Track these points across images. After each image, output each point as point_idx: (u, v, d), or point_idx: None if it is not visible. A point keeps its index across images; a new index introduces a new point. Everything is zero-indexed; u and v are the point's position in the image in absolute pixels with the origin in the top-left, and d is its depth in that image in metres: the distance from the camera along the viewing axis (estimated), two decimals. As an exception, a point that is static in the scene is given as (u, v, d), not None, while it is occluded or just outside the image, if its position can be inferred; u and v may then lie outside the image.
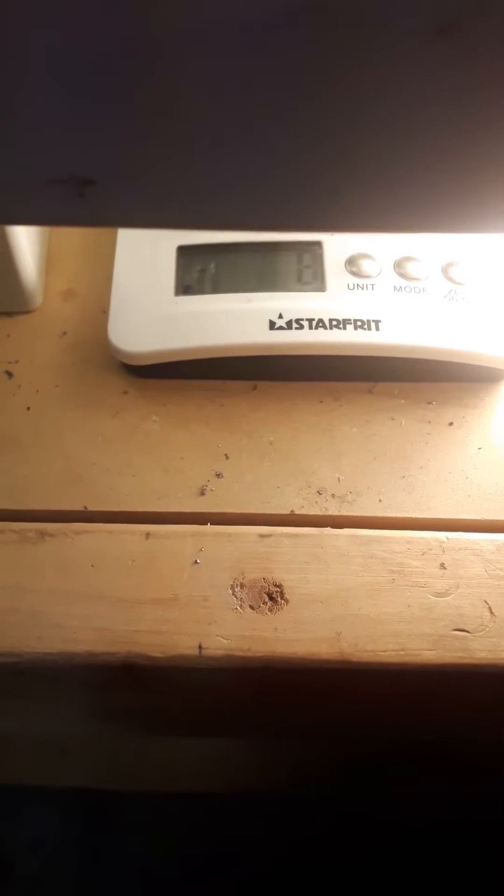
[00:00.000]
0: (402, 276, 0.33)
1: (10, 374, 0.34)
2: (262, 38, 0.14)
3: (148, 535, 0.29)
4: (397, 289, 0.33)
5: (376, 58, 0.15)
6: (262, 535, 0.29)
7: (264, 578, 0.28)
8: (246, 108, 0.15)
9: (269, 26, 0.14)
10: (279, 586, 0.28)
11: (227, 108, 0.15)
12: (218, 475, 0.31)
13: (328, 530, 0.30)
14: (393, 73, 0.14)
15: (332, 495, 0.31)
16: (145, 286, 0.33)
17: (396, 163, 0.16)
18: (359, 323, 0.32)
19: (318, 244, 0.34)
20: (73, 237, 0.37)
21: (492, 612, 0.28)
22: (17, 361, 0.34)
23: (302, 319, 0.32)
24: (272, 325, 0.32)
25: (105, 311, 0.33)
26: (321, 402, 0.33)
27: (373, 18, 0.14)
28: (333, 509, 0.31)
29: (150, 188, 0.16)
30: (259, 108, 0.15)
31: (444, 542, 0.29)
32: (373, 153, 0.16)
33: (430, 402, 0.33)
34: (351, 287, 0.33)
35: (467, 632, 0.27)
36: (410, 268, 0.33)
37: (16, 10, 0.13)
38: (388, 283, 0.33)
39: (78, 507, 0.30)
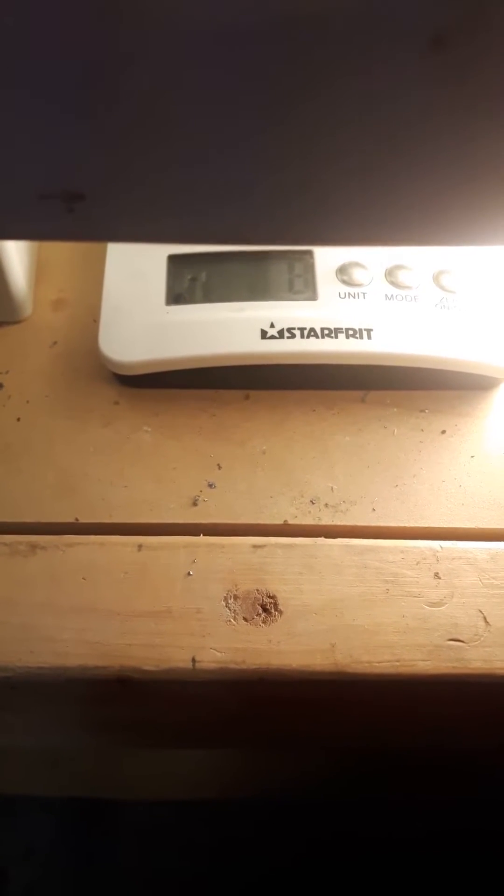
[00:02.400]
0: (394, 284, 0.33)
1: (0, 385, 0.33)
2: (249, 49, 0.14)
3: (140, 546, 0.29)
4: (389, 297, 0.33)
5: (370, 70, 0.15)
6: (255, 546, 0.29)
7: (258, 590, 0.28)
8: (232, 124, 0.15)
9: (258, 37, 0.14)
10: (273, 597, 0.28)
11: (212, 123, 0.15)
12: (210, 485, 0.31)
13: (322, 540, 0.29)
14: (387, 84, 0.14)
15: (326, 505, 0.31)
16: (136, 295, 0.33)
17: (389, 176, 0.16)
18: (350, 331, 0.32)
19: (310, 253, 0.34)
20: (62, 247, 0.37)
21: (487, 622, 0.28)
22: (7, 372, 0.34)
23: (294, 328, 0.32)
24: (264, 335, 0.32)
25: (95, 321, 0.33)
26: (314, 410, 0.33)
27: (367, 29, 0.14)
28: (327, 519, 0.30)
29: (139, 203, 0.16)
30: (247, 123, 0.15)
31: (438, 551, 0.29)
32: (365, 167, 0.15)
33: (422, 411, 0.33)
34: (342, 296, 0.33)
35: (462, 642, 0.27)
36: (402, 276, 0.33)
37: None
38: (380, 291, 0.33)
39: (69, 518, 0.30)
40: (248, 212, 0.16)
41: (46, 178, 0.15)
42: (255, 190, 0.15)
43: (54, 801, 0.70)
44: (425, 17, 0.13)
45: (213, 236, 0.17)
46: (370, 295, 0.33)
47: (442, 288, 0.33)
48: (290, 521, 0.30)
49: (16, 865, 0.69)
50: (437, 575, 0.29)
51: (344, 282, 0.33)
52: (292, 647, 0.27)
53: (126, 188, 0.16)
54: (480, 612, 0.28)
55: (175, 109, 0.15)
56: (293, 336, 0.32)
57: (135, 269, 0.34)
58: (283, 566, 0.29)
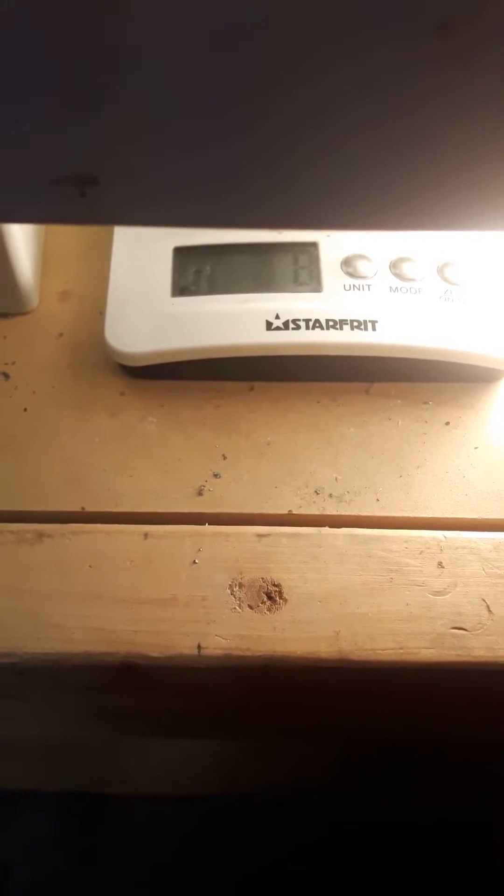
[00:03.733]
0: (398, 276, 0.33)
1: (6, 376, 0.34)
2: (254, 35, 0.14)
3: (146, 535, 0.29)
4: (393, 289, 0.33)
5: (375, 55, 0.15)
6: (260, 535, 0.29)
7: (263, 578, 0.28)
8: (241, 106, 0.15)
9: (261, 24, 0.14)
10: (277, 586, 0.28)
11: (219, 106, 0.15)
12: (216, 475, 0.31)
13: (326, 530, 0.30)
14: (391, 70, 0.14)
15: (330, 495, 0.31)
16: (142, 287, 0.33)
17: (393, 159, 0.16)
18: (355, 323, 0.32)
19: (314, 245, 0.34)
20: (69, 238, 0.37)
21: (490, 611, 0.28)
22: (13, 363, 0.34)
23: (298, 320, 0.32)
24: (269, 326, 0.32)
25: (102, 313, 0.33)
26: (318, 402, 0.33)
27: (372, 16, 0.14)
28: (331, 509, 0.31)
29: (150, 186, 0.16)
30: (254, 106, 0.15)
31: (441, 541, 0.29)
32: (369, 150, 0.16)
33: (426, 402, 0.33)
34: (347, 288, 0.33)
35: (466, 630, 0.28)
36: (406, 268, 0.33)
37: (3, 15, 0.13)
38: (384, 283, 0.33)
39: (76, 507, 0.30)
40: (254, 195, 0.16)
41: (60, 162, 0.15)
42: (262, 174, 0.16)
43: (55, 797, 0.70)
44: (430, 3, 0.14)
45: (221, 220, 0.17)
46: (375, 287, 0.33)
47: (446, 280, 0.33)
48: (295, 511, 0.31)
49: (17, 862, 0.70)
50: (440, 564, 0.29)
51: (349, 274, 0.33)
52: (297, 634, 0.27)
53: (135, 173, 0.16)
54: (484, 600, 0.28)
55: (175, 97, 0.15)
56: (298, 328, 0.32)
57: (141, 261, 0.34)
58: (288, 555, 0.29)
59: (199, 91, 0.15)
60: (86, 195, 0.16)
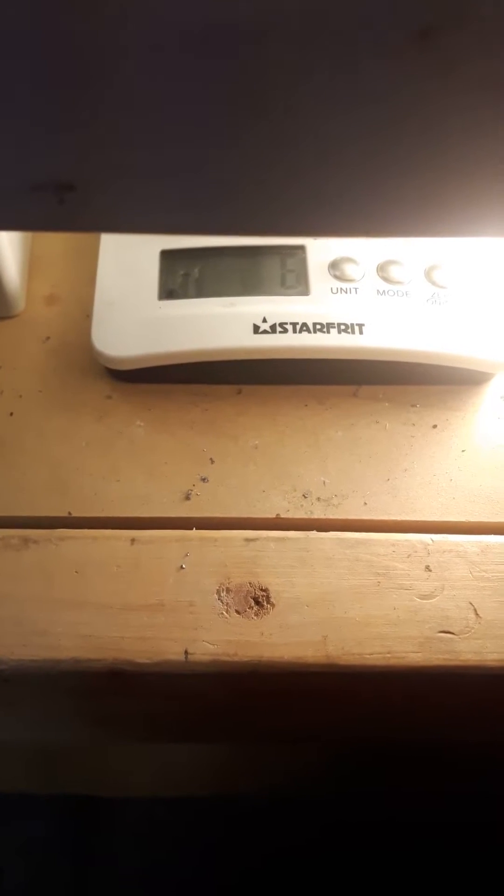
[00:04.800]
0: (386, 279, 0.33)
1: (-7, 380, 0.33)
2: (237, 45, 0.14)
3: (133, 540, 0.29)
4: (381, 292, 0.33)
5: (360, 64, 0.15)
6: (247, 540, 0.29)
7: (250, 583, 0.28)
8: (222, 116, 0.15)
9: (245, 34, 0.14)
10: (265, 590, 0.28)
11: (200, 116, 0.15)
12: (203, 479, 0.31)
13: (314, 534, 0.30)
14: (376, 78, 0.14)
15: (318, 499, 0.31)
16: (129, 290, 0.33)
17: (381, 168, 0.16)
18: (342, 326, 0.32)
19: (302, 248, 0.34)
20: (55, 242, 0.37)
21: (477, 614, 0.28)
22: (0, 367, 0.34)
23: (286, 323, 0.32)
24: (256, 329, 0.32)
25: (88, 316, 0.33)
26: (306, 405, 0.33)
27: (357, 24, 0.14)
28: (319, 513, 0.31)
29: (128, 195, 0.16)
30: (237, 116, 0.15)
31: (429, 544, 0.29)
32: (356, 157, 0.16)
33: (413, 405, 0.33)
34: (334, 291, 0.33)
35: (453, 634, 0.28)
36: (393, 271, 0.33)
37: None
38: (372, 286, 0.33)
39: (62, 513, 0.30)
40: (239, 205, 0.16)
41: (37, 168, 0.15)
42: (246, 184, 0.16)
43: (50, 798, 0.70)
44: (412, 11, 0.13)
45: (205, 228, 0.17)
46: (362, 290, 0.33)
47: (433, 283, 0.33)
48: (283, 515, 0.30)
49: (12, 863, 0.69)
50: (427, 568, 0.29)
51: (336, 277, 0.33)
52: (284, 639, 0.27)
53: (114, 181, 0.16)
54: (471, 604, 0.28)
55: (157, 104, 0.15)
56: (285, 331, 0.32)
57: (128, 265, 0.34)
58: (276, 559, 0.29)
59: (177, 100, 0.15)
60: (64, 202, 0.15)
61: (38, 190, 0.15)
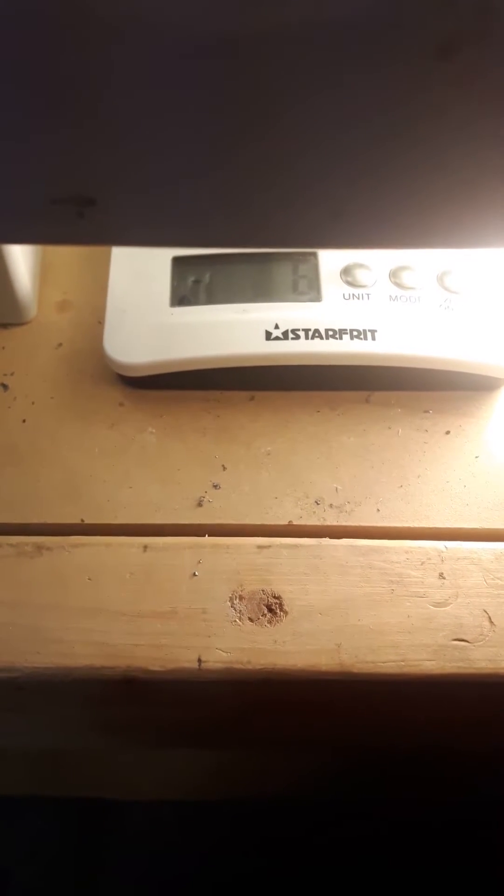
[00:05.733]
0: (398, 285, 0.33)
1: (5, 387, 0.33)
2: (251, 56, 0.14)
3: (146, 547, 0.29)
4: (393, 298, 0.33)
5: (382, 74, 0.15)
6: (260, 547, 0.29)
7: (263, 590, 0.28)
8: (239, 129, 0.15)
9: (260, 43, 0.14)
10: (278, 598, 0.28)
11: (217, 130, 0.15)
12: (215, 486, 0.31)
13: (326, 541, 0.29)
14: (397, 90, 0.14)
15: (330, 505, 0.31)
16: (141, 297, 0.33)
17: (399, 178, 0.16)
18: (355, 333, 0.32)
19: (314, 254, 0.34)
20: (67, 250, 0.37)
21: (491, 622, 0.28)
22: (12, 373, 0.34)
23: (298, 330, 0.32)
24: (268, 336, 0.32)
25: (100, 322, 0.33)
26: (318, 411, 0.33)
27: (378, 38, 0.14)
28: (331, 519, 0.31)
29: (145, 209, 0.16)
30: (252, 128, 0.15)
31: (442, 551, 0.29)
32: (371, 170, 0.16)
33: (426, 411, 0.33)
34: (346, 297, 0.33)
35: (467, 641, 0.27)
36: (405, 277, 0.33)
37: None
38: (384, 292, 0.33)
39: (75, 520, 0.30)
40: (253, 217, 0.16)
41: (58, 183, 0.15)
42: (260, 196, 0.16)
43: (57, 801, 0.70)
44: (432, 25, 0.13)
45: (219, 241, 0.17)
46: (374, 296, 0.33)
47: (445, 289, 0.33)
48: (295, 522, 0.30)
49: (18, 866, 0.69)
50: (441, 575, 0.29)
51: (348, 283, 0.33)
52: (298, 647, 0.27)
53: (132, 195, 0.16)
54: (485, 612, 0.28)
55: (171, 122, 0.15)
56: (297, 337, 0.32)
57: (139, 271, 0.34)
58: (289, 567, 0.29)
59: (195, 116, 0.15)
60: (84, 216, 0.15)
61: (59, 203, 0.15)
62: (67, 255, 0.37)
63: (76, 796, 0.67)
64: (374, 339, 0.32)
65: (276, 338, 0.32)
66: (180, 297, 0.33)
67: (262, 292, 0.33)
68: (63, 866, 0.69)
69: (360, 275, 0.33)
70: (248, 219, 0.16)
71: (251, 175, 0.15)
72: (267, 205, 0.16)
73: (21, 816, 0.70)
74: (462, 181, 0.16)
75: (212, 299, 0.33)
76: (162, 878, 0.67)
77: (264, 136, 0.15)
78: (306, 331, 0.32)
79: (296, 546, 0.29)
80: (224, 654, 0.27)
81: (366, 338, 0.32)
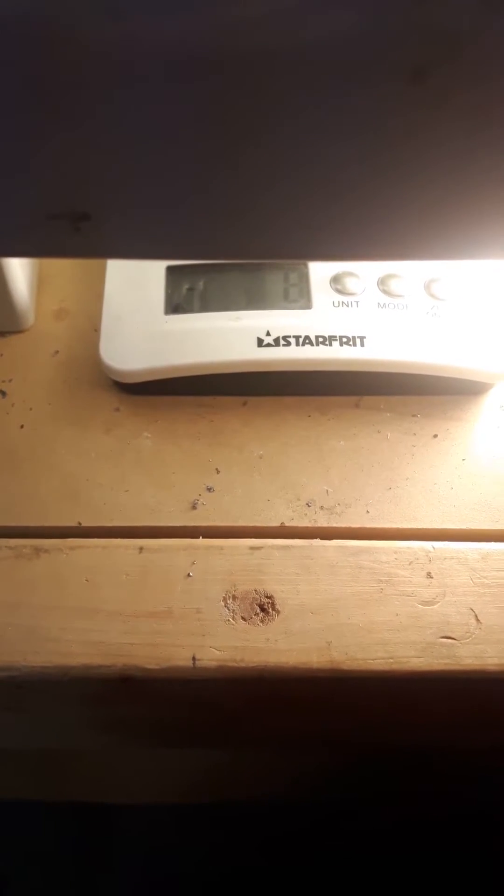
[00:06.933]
0: (386, 293, 0.34)
1: (3, 393, 0.34)
2: (234, 78, 0.15)
3: (141, 549, 0.30)
4: (381, 305, 0.34)
5: (356, 98, 0.16)
6: (252, 548, 0.30)
7: (256, 590, 0.29)
8: (224, 145, 0.16)
9: (242, 66, 0.15)
10: (270, 597, 0.29)
11: (208, 147, 0.16)
12: (209, 489, 0.32)
13: (317, 542, 0.30)
14: (373, 113, 0.15)
15: (321, 507, 0.32)
16: (136, 305, 0.34)
17: (375, 195, 0.17)
18: (344, 339, 0.33)
19: (304, 264, 0.34)
20: (64, 260, 0.38)
21: (478, 620, 0.29)
22: (10, 380, 0.35)
23: (289, 336, 0.33)
24: (260, 343, 0.33)
25: (96, 330, 0.34)
26: (309, 416, 0.34)
27: (352, 63, 0.15)
28: (322, 521, 0.31)
29: (139, 224, 0.17)
30: (240, 148, 0.16)
31: (430, 551, 0.30)
32: (351, 187, 0.16)
33: (415, 415, 0.34)
34: (336, 304, 0.34)
35: (454, 639, 0.28)
36: (394, 285, 0.34)
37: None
38: (373, 300, 0.34)
39: (72, 522, 0.31)
40: (240, 232, 0.17)
41: (54, 199, 0.16)
42: (251, 211, 0.16)
43: (55, 805, 0.70)
44: (405, 50, 0.14)
45: (210, 254, 0.18)
46: (363, 303, 0.34)
47: (432, 296, 0.34)
48: (287, 524, 0.31)
49: (16, 870, 0.70)
50: (429, 574, 0.30)
51: (338, 291, 0.34)
52: (290, 645, 0.28)
53: (126, 210, 0.17)
54: (472, 610, 0.29)
55: (163, 139, 0.16)
56: (289, 344, 0.33)
57: (134, 280, 0.35)
58: (280, 567, 0.30)
59: (186, 132, 0.15)
60: (80, 230, 0.16)
61: (55, 219, 0.16)
62: (64, 265, 0.38)
63: (74, 801, 0.67)
64: (363, 345, 0.33)
65: (268, 344, 0.33)
66: (174, 305, 0.34)
67: (254, 300, 0.34)
68: (61, 872, 0.69)
69: (349, 283, 0.34)
70: (236, 233, 0.17)
71: (236, 193, 0.16)
72: (255, 220, 0.16)
73: (19, 823, 0.71)
74: (440, 198, 0.17)
75: (205, 307, 0.34)
76: (160, 880, 0.68)
77: (248, 155, 0.16)
78: (297, 337, 0.33)
79: (287, 547, 0.30)
80: (218, 652, 0.28)
81: (355, 344, 0.33)
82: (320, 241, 0.17)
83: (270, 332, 0.33)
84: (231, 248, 0.17)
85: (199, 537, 0.30)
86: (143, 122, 0.16)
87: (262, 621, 0.28)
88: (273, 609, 0.29)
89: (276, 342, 0.33)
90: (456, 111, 0.15)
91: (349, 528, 0.31)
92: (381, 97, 0.15)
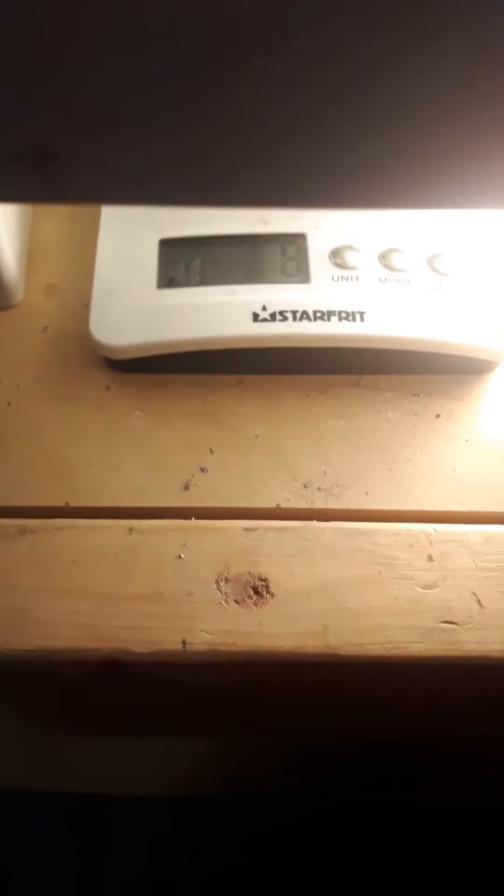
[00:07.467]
0: (387, 267, 0.33)
1: (-9, 370, 0.33)
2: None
3: (131, 530, 0.29)
4: (382, 280, 0.32)
5: (340, 20, 0.14)
6: (247, 529, 0.29)
7: (249, 572, 0.28)
8: (206, 81, 0.15)
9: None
10: (265, 580, 0.28)
11: (183, 79, 0.14)
12: (203, 470, 0.31)
13: (314, 523, 0.29)
14: (353, 34, 0.14)
15: (319, 488, 0.31)
16: (127, 279, 0.33)
17: (365, 128, 0.15)
18: (343, 314, 0.31)
19: (303, 236, 0.33)
20: (54, 232, 0.37)
21: (480, 604, 0.28)
22: (-2, 357, 0.34)
23: (286, 311, 0.31)
24: (256, 318, 0.31)
25: (87, 306, 0.33)
26: (307, 395, 0.33)
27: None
28: (319, 502, 0.30)
29: (114, 163, 0.15)
30: (221, 78, 0.15)
31: (431, 534, 0.29)
32: (340, 121, 0.15)
33: (416, 395, 0.33)
34: (335, 279, 0.32)
35: (456, 624, 0.27)
36: (395, 259, 0.33)
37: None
38: (373, 274, 0.32)
39: (60, 502, 0.30)
40: (223, 172, 0.15)
41: (18, 136, 0.15)
42: (229, 150, 0.15)
43: (55, 798, 0.70)
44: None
45: (191, 198, 0.17)
46: (363, 278, 0.32)
47: (435, 271, 0.33)
48: (283, 505, 0.30)
49: (17, 863, 0.69)
50: (430, 557, 0.28)
51: (337, 265, 0.33)
52: (284, 629, 0.27)
53: (97, 147, 0.15)
54: (474, 594, 0.28)
55: (130, 74, 0.15)
56: (285, 319, 0.31)
57: (126, 254, 0.33)
58: (276, 549, 0.28)
59: (160, 66, 0.14)
60: (45, 170, 0.15)
61: (20, 158, 0.15)
62: (54, 238, 0.37)
63: (74, 792, 0.67)
64: (362, 320, 0.31)
65: (264, 319, 0.31)
66: (167, 279, 0.33)
67: (250, 274, 0.33)
68: (62, 865, 0.69)
69: (349, 257, 0.33)
70: (216, 171, 0.16)
71: (219, 132, 0.15)
72: (235, 161, 0.15)
73: (20, 815, 0.70)
74: (430, 135, 0.15)
75: (199, 281, 0.33)
76: (160, 874, 0.67)
77: (227, 91, 0.14)
78: (294, 312, 0.31)
79: (283, 529, 0.29)
80: (209, 636, 0.27)
81: (354, 319, 0.31)
82: (310, 184, 0.16)
83: (266, 307, 0.32)
84: (213, 191, 0.16)
85: (191, 518, 0.29)
86: (111, 61, 0.15)
87: (255, 604, 0.27)
88: (267, 592, 0.28)
89: (273, 317, 0.31)
90: (453, 39, 0.14)
91: (347, 510, 0.30)
92: (366, 25, 0.14)
